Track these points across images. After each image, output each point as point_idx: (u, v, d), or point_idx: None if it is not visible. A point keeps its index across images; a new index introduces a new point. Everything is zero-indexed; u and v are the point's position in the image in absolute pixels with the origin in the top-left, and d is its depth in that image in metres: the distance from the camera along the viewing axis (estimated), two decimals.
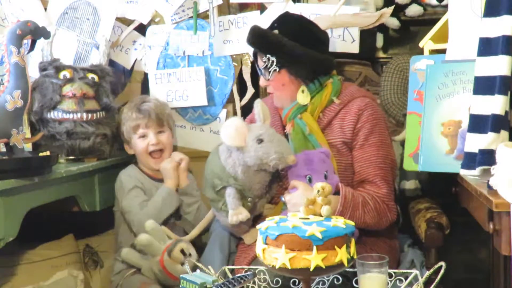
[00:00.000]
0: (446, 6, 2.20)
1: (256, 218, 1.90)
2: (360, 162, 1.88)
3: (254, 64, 2.47)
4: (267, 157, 1.74)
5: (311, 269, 1.28)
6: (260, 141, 1.75)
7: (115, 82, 2.51)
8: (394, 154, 1.96)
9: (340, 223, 1.35)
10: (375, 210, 1.80)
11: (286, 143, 1.81)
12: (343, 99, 1.94)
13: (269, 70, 1.91)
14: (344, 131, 1.90)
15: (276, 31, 1.92)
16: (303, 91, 1.92)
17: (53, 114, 2.22)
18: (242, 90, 2.54)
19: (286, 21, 1.97)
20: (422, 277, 1.46)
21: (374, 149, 1.88)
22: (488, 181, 1.34)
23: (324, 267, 1.28)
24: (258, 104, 1.84)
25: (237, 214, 1.80)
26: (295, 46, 1.88)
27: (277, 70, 1.91)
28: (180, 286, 1.44)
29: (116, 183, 2.26)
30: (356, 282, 1.47)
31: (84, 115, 2.23)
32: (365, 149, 1.88)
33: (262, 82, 2.00)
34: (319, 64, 1.92)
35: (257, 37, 1.94)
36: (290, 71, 1.91)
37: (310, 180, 1.77)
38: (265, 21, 2.39)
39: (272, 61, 1.90)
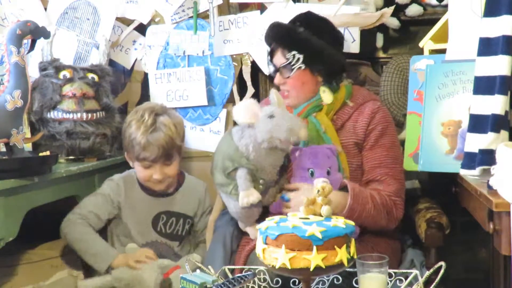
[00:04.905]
0: (446, 6, 2.20)
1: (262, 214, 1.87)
2: (369, 162, 1.89)
3: (254, 64, 2.49)
4: (278, 130, 1.69)
5: (311, 269, 1.28)
6: (272, 116, 1.71)
7: (115, 82, 2.52)
8: (402, 157, 1.95)
9: (340, 223, 1.35)
10: (381, 205, 1.80)
11: (299, 120, 1.78)
12: (356, 102, 1.95)
13: (293, 67, 1.89)
14: (356, 132, 1.91)
15: (301, 29, 1.91)
16: (324, 91, 1.92)
17: (53, 114, 2.22)
18: (242, 90, 2.54)
19: (311, 19, 1.97)
20: (422, 277, 1.46)
21: (384, 150, 1.89)
22: (488, 181, 1.34)
23: (324, 267, 1.28)
24: (273, 92, 1.81)
25: (248, 195, 1.74)
26: (322, 44, 1.88)
27: (303, 67, 1.89)
28: (180, 286, 1.45)
29: (104, 182, 2.20)
30: (356, 281, 1.48)
31: (84, 115, 2.23)
32: (375, 150, 1.89)
33: (278, 80, 1.96)
34: (340, 65, 1.94)
35: (284, 33, 1.92)
36: (313, 70, 1.91)
37: (312, 174, 1.77)
38: (265, 21, 2.39)
39: (298, 58, 1.88)
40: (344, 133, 1.92)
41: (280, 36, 1.93)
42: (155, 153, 2.06)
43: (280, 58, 1.94)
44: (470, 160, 1.55)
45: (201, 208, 2.23)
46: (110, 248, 2.11)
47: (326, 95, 1.92)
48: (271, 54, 1.99)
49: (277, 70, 1.96)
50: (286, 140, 1.71)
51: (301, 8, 2.38)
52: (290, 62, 1.90)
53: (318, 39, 1.89)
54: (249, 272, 1.49)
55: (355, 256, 1.37)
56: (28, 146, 2.15)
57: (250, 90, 2.51)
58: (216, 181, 1.86)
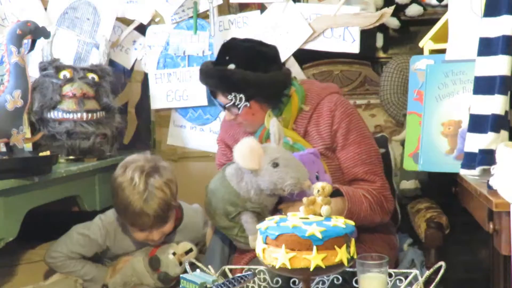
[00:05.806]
0: (446, 6, 2.20)
1: None
2: (346, 162, 1.87)
3: None
4: (282, 182, 1.66)
5: (311, 269, 1.28)
6: (276, 165, 1.66)
7: (115, 82, 2.51)
8: (375, 143, 1.94)
9: (340, 223, 1.35)
10: (374, 202, 1.80)
11: (303, 168, 1.72)
12: (311, 103, 1.91)
13: (239, 106, 1.86)
14: (322, 136, 1.88)
15: (232, 66, 1.84)
16: (269, 115, 1.88)
17: (53, 114, 2.22)
18: None
19: (239, 51, 1.89)
20: (422, 277, 1.46)
21: (356, 147, 1.87)
22: (488, 181, 1.34)
23: (324, 267, 1.28)
24: (274, 123, 1.75)
25: (257, 239, 1.75)
26: (258, 77, 1.83)
27: (248, 104, 1.86)
28: (180, 286, 1.45)
29: (94, 221, 2.13)
30: (356, 282, 1.48)
31: (84, 115, 2.23)
32: (348, 149, 1.87)
33: (228, 116, 1.93)
34: (283, 83, 1.89)
35: (218, 79, 1.86)
36: (258, 101, 1.87)
37: None
38: (265, 21, 2.39)
39: (241, 98, 1.84)
40: (310, 139, 1.89)
41: (215, 83, 1.88)
42: (151, 221, 1.97)
43: (222, 99, 1.89)
44: (470, 160, 1.55)
45: (204, 236, 2.16)
46: (101, 269, 2.11)
47: (268, 120, 1.86)
48: (214, 94, 1.94)
49: (223, 107, 1.91)
50: (291, 193, 1.68)
51: (301, 8, 2.39)
52: (234, 103, 1.85)
53: (253, 71, 1.83)
54: (249, 272, 1.49)
55: (355, 256, 1.37)
56: (28, 146, 2.14)
57: None
58: (219, 225, 1.83)
